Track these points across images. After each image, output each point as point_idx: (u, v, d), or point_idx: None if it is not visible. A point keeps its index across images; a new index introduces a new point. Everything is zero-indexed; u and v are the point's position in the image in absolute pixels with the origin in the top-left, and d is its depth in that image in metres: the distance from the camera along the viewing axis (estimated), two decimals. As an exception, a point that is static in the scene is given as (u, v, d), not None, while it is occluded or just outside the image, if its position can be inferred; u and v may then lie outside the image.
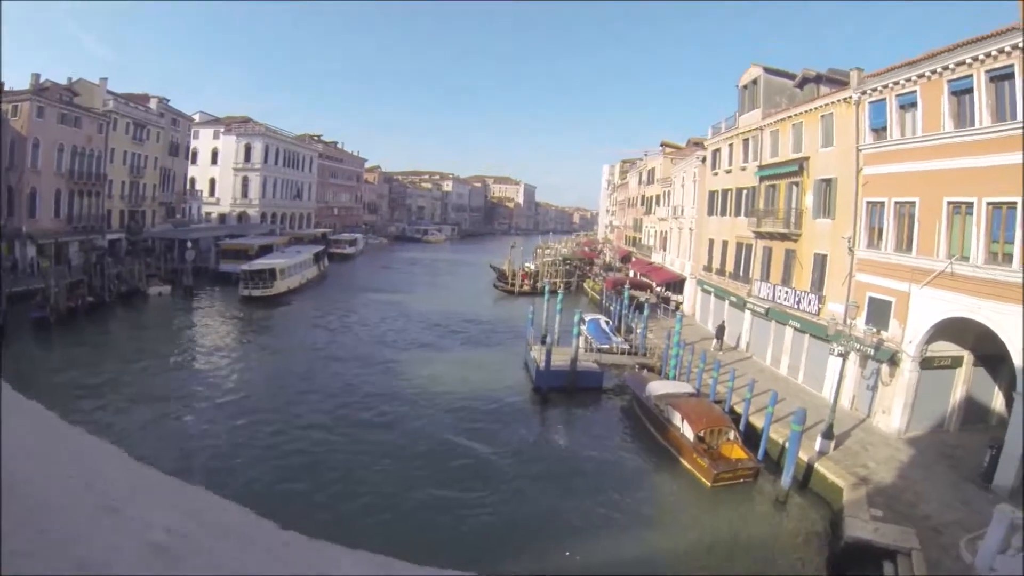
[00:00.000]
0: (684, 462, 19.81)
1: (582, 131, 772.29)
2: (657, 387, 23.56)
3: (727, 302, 35.23)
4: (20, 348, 30.62)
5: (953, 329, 19.80)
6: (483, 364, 32.04)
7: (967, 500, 16.15)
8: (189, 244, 54.00)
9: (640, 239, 63.37)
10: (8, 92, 47.52)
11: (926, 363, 20.67)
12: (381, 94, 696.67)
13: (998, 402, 21.25)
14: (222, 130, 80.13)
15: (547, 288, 38.27)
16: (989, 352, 19.61)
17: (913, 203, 20.78)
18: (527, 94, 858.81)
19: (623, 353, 31.92)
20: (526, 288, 57.89)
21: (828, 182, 26.00)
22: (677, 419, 20.57)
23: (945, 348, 20.73)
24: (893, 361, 21.13)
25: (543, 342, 31.66)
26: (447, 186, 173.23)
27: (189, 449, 19.92)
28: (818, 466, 18.53)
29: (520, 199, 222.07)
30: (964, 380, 21.21)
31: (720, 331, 32.65)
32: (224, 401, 24.97)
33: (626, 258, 66.00)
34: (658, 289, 45.56)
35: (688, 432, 19.85)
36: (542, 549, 15.15)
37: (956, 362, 21.05)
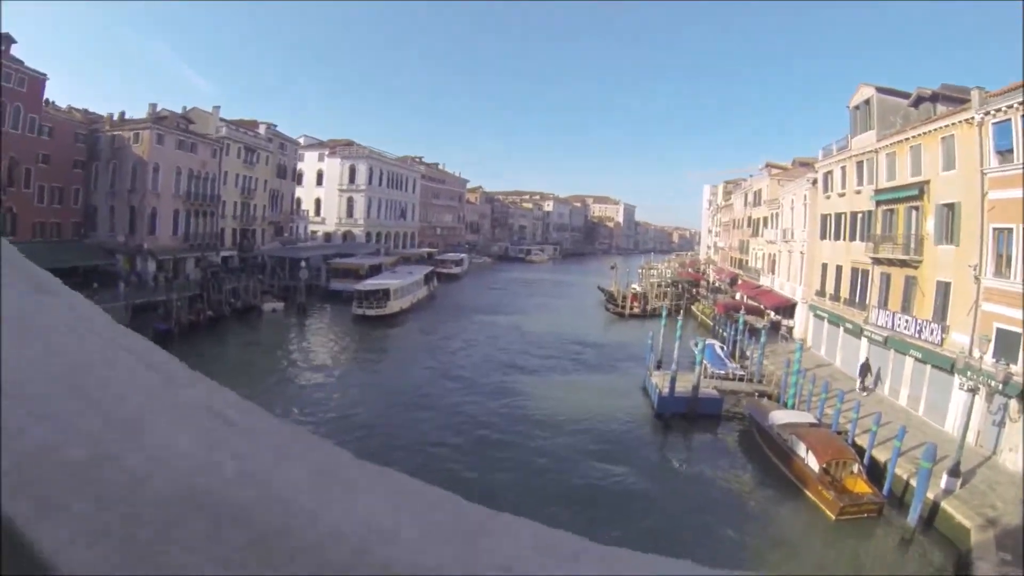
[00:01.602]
0: (808, 493, 19.74)
1: (681, 150, 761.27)
2: (779, 416, 23.52)
3: (842, 329, 34.30)
4: None
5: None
6: (602, 387, 32.37)
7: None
8: (303, 264, 56.34)
9: (747, 261, 62.22)
10: (129, 120, 52.40)
11: (1057, 399, 19.70)
12: (482, 118, 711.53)
13: None
14: (327, 153, 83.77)
15: (664, 312, 38.11)
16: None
17: (1044, 230, 19.93)
18: (626, 115, 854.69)
19: (739, 379, 31.76)
20: (636, 310, 57.79)
21: (951, 207, 25.15)
22: (802, 449, 20.51)
23: (1077, 383, 19.67)
24: (1023, 397, 20.19)
25: (658, 366, 31.93)
26: (548, 206, 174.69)
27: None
28: (944, 505, 18.04)
29: (620, 218, 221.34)
30: (1095, 417, 19.99)
31: (864, 370, 30.21)
32: (346, 418, 26.41)
33: (732, 280, 64.82)
34: (772, 315, 44.53)
35: (813, 463, 19.75)
36: None
37: (1087, 398, 19.91)
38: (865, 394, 28.89)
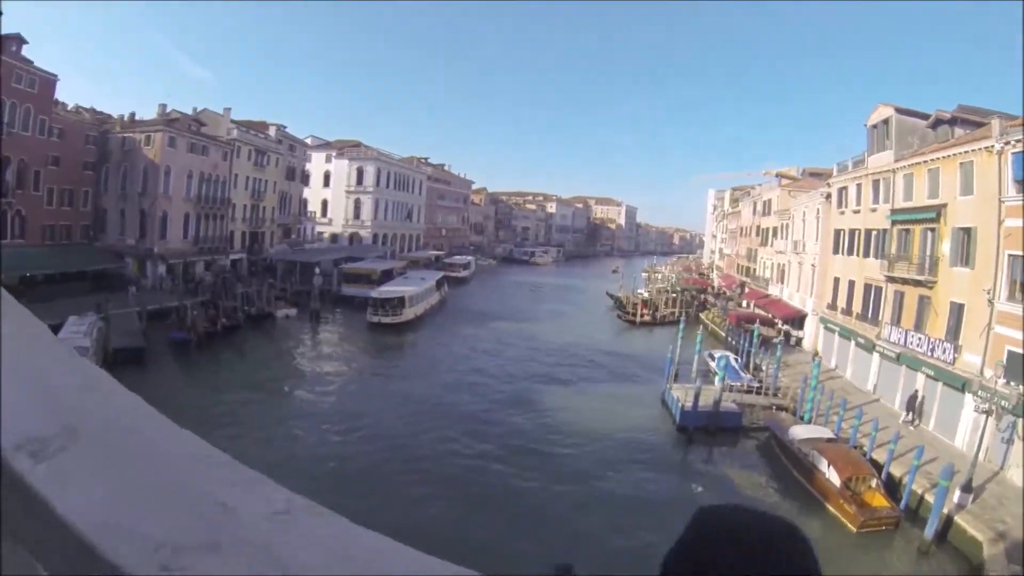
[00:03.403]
0: (830, 507, 20.62)
1: (682, 151, 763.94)
2: (800, 431, 24.41)
3: (853, 343, 35.19)
4: (167, 371, 31.85)
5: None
6: (622, 398, 32.75)
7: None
8: (317, 270, 56.37)
9: (755, 270, 63.08)
10: (140, 122, 52.38)
11: (1062, 418, 20.65)
12: (489, 117, 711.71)
13: None
14: (334, 154, 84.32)
15: (682, 324, 38.20)
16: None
17: (1058, 259, 20.84)
18: (629, 115, 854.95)
19: (753, 392, 32.25)
20: (646, 318, 58.43)
21: (967, 231, 26.03)
22: (823, 465, 21.40)
23: (1080, 403, 20.61)
24: (1031, 416, 21.15)
25: (675, 378, 32.66)
26: (551, 207, 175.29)
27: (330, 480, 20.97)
28: (957, 519, 18.96)
29: (622, 220, 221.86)
30: (1096, 435, 20.95)
31: (912, 402, 28.17)
32: (372, 431, 26.27)
33: (740, 288, 65.67)
34: (784, 327, 45.12)
35: (834, 478, 20.66)
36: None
37: (1090, 418, 20.85)
38: (912, 428, 27.27)
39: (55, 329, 30.27)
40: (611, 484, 22.47)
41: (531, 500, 20.61)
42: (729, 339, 45.71)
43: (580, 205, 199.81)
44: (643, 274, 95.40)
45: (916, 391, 28.29)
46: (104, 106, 57.32)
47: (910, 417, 28.00)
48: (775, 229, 55.93)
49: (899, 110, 33.35)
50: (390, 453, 23.92)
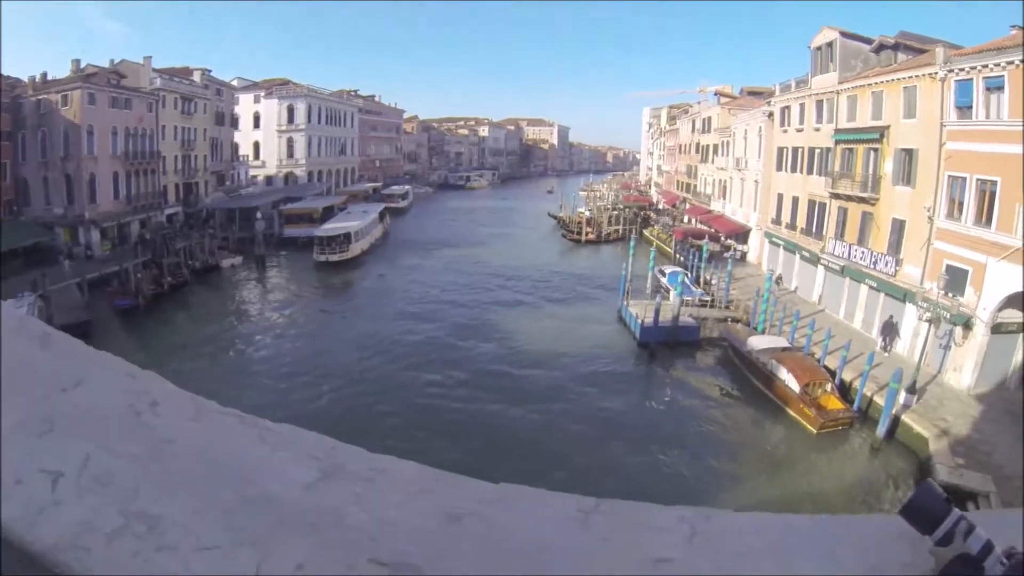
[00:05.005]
0: (790, 411, 22.49)
1: (613, 69, 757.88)
2: (757, 342, 26.01)
3: (798, 256, 37.12)
4: (117, 342, 29.05)
5: (1021, 298, 21.70)
6: (578, 316, 34.08)
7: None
8: (259, 214, 54.93)
9: (696, 186, 64.69)
10: (54, 81, 47.79)
11: (995, 328, 22.75)
12: (410, 42, 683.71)
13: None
14: (263, 94, 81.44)
15: (632, 241, 39.19)
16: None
17: (995, 182, 22.47)
18: (557, 31, 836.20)
19: (707, 306, 33.61)
20: (591, 237, 59.69)
21: (909, 152, 27.55)
22: (781, 372, 23.10)
23: (1012, 315, 22.71)
24: (967, 325, 23.25)
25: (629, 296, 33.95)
26: (483, 131, 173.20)
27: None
28: (904, 418, 21.07)
29: (555, 140, 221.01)
30: (1026, 344, 23.18)
31: (887, 328, 27.77)
32: (332, 372, 26.29)
33: (681, 203, 67.56)
34: (728, 242, 46.92)
35: (793, 384, 22.42)
36: (675, 492, 18.09)
37: (1021, 327, 23.00)
38: (887, 355, 26.61)
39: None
40: (587, 400, 23.86)
41: (502, 422, 21.73)
42: (677, 255, 47.06)
43: (512, 127, 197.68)
44: (581, 193, 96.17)
45: (891, 316, 28.01)
46: (10, 70, 51.41)
47: (884, 342, 27.70)
48: (716, 146, 57.14)
49: (843, 33, 34.24)
50: (356, 388, 24.53)
